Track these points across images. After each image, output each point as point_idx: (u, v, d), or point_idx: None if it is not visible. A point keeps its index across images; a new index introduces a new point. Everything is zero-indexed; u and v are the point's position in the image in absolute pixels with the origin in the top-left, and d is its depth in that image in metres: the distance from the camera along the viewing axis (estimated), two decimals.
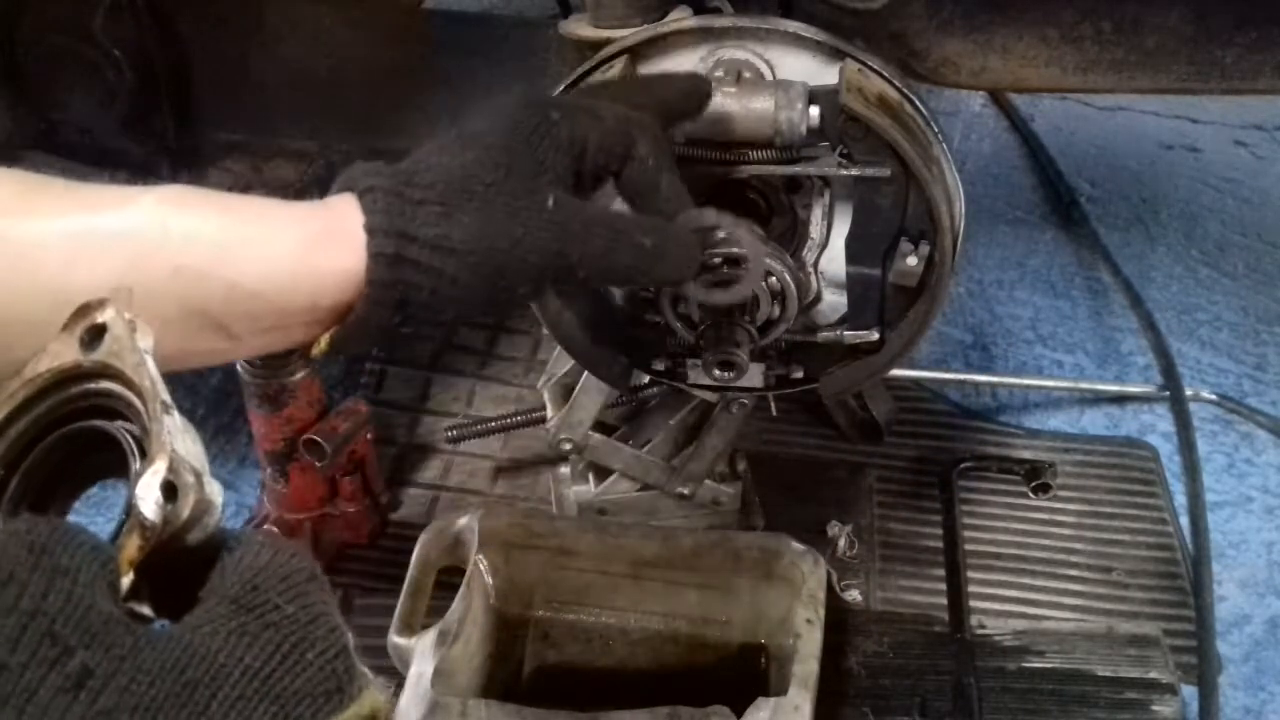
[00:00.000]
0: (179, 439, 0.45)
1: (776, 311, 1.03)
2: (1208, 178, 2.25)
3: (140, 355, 0.47)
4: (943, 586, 1.46)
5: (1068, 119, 2.40)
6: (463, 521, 1.26)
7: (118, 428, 0.48)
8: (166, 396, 0.46)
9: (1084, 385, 1.78)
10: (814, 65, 1.04)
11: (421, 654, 1.14)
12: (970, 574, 1.47)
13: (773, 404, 1.27)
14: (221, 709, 0.40)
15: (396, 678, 1.16)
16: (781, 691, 1.10)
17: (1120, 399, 1.76)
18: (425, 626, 1.17)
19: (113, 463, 0.49)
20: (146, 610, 0.44)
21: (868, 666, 1.33)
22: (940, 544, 1.52)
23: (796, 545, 1.25)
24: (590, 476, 1.39)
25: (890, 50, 1.15)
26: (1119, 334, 1.88)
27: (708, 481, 1.38)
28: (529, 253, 0.69)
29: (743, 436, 1.37)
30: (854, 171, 0.99)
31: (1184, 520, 1.55)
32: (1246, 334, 1.88)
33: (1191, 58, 1.16)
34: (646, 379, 1.17)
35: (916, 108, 1.04)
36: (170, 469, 0.44)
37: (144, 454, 0.45)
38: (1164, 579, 1.47)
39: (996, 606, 1.44)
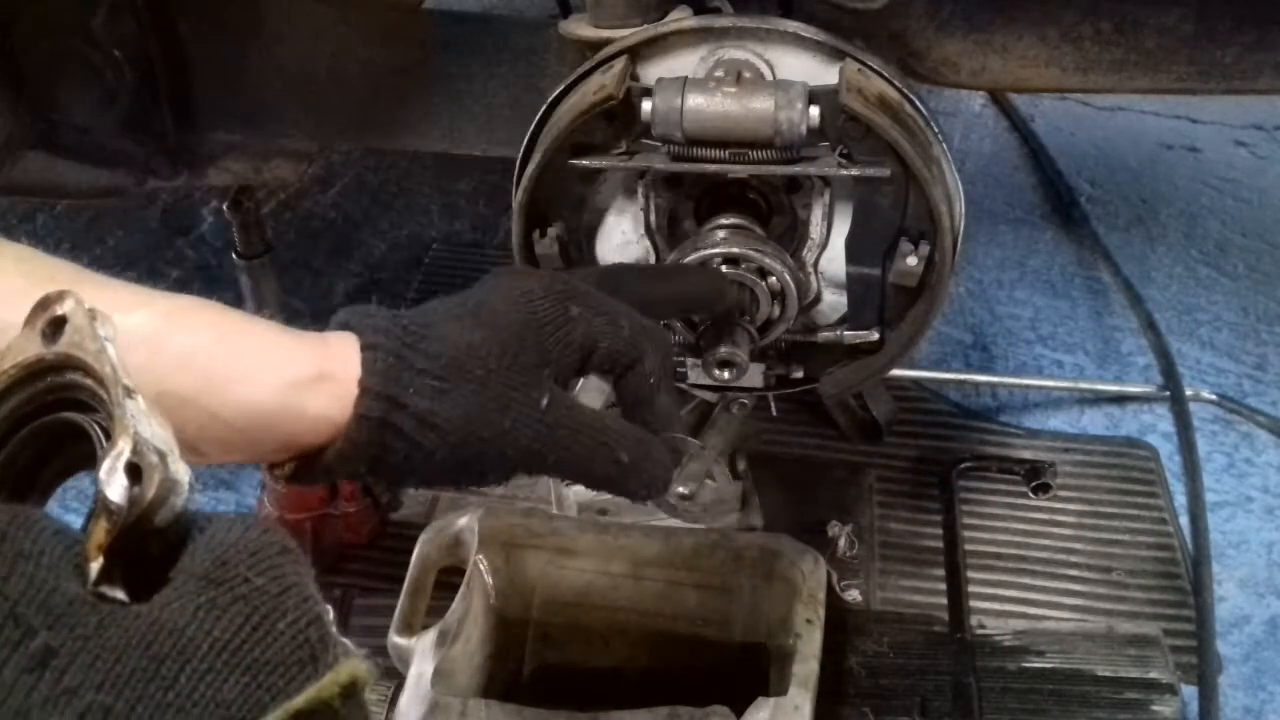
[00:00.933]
0: (143, 422, 0.45)
1: (776, 311, 1.03)
2: (1208, 178, 2.25)
3: (101, 343, 0.47)
4: (943, 586, 1.46)
5: (1068, 119, 2.40)
6: (463, 521, 1.26)
7: (86, 419, 0.48)
8: (129, 381, 0.46)
9: (1084, 385, 1.78)
10: (814, 65, 1.04)
11: (421, 654, 1.14)
12: (970, 574, 1.47)
13: (773, 404, 1.27)
14: (190, 681, 0.39)
15: (396, 678, 1.16)
16: (781, 691, 1.10)
17: (1120, 399, 1.76)
18: (425, 626, 1.17)
19: (85, 455, 0.49)
20: (119, 594, 0.43)
21: (868, 666, 1.33)
22: (940, 544, 1.52)
23: (796, 545, 1.25)
24: None
25: (890, 50, 1.15)
26: (1119, 334, 1.88)
27: (708, 481, 1.37)
28: (509, 446, 0.69)
29: (743, 436, 1.37)
30: (854, 171, 1.00)
31: (1184, 520, 1.55)
32: (1246, 334, 1.88)
33: (1191, 58, 1.16)
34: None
35: (916, 108, 1.04)
36: (134, 450, 0.43)
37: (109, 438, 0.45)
38: (1164, 579, 1.47)
39: (996, 606, 1.44)
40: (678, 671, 1.26)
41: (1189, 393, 1.72)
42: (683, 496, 1.37)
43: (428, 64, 1.28)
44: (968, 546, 1.50)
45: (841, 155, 1.00)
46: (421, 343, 0.69)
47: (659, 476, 0.78)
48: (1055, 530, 1.54)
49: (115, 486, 0.42)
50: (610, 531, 1.29)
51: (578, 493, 1.39)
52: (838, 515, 1.53)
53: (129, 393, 0.45)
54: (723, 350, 0.99)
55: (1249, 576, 1.50)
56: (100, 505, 0.43)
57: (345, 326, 0.69)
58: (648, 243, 1.10)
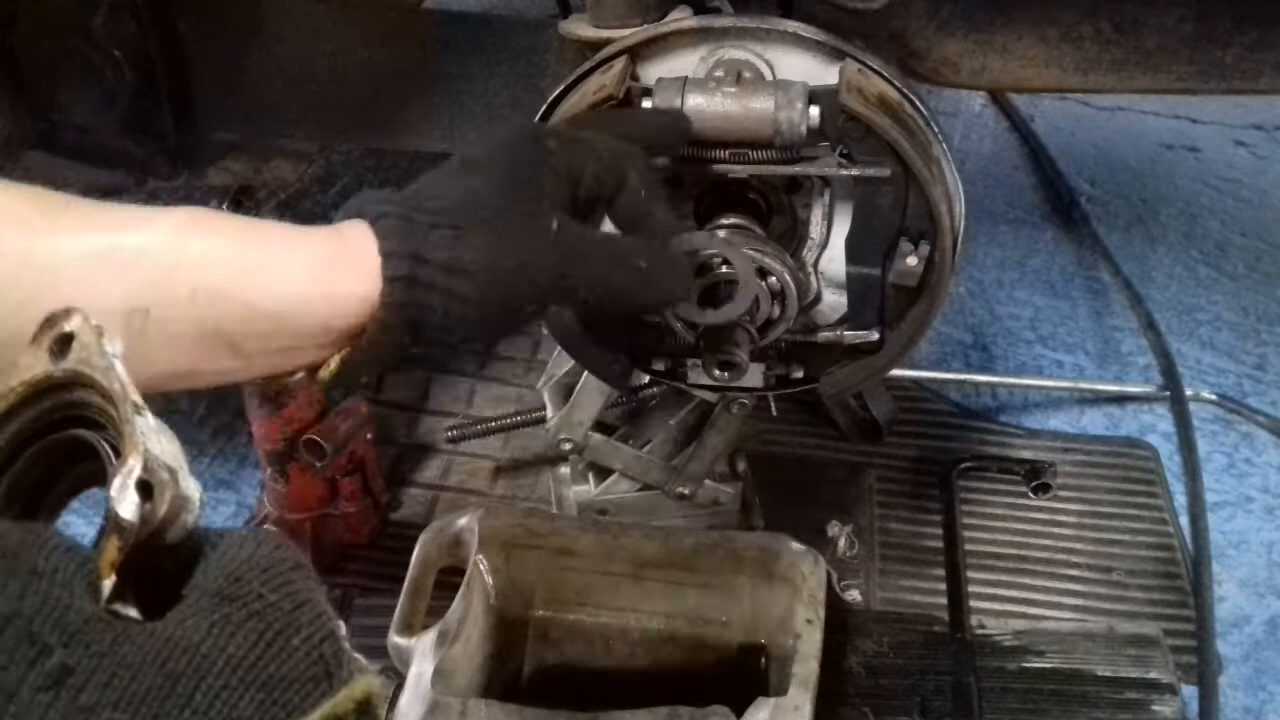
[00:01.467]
0: (152, 439, 0.45)
1: (776, 311, 1.03)
2: (1208, 178, 2.25)
3: (109, 360, 0.47)
4: (943, 586, 1.46)
5: (1068, 119, 2.40)
6: (463, 521, 1.26)
7: (95, 436, 0.48)
8: (137, 398, 0.46)
9: (1084, 385, 1.78)
10: (814, 65, 1.04)
11: (421, 654, 1.14)
12: (970, 574, 1.47)
13: (773, 404, 1.27)
14: (206, 699, 0.39)
15: (397, 678, 1.16)
16: (781, 691, 1.10)
17: (1120, 399, 1.76)
18: (425, 626, 1.17)
19: (95, 472, 0.49)
20: (131, 612, 0.43)
21: (868, 666, 1.33)
22: (940, 544, 1.52)
23: (796, 545, 1.25)
24: (590, 476, 1.39)
25: (890, 50, 1.15)
26: (1119, 334, 1.88)
27: (708, 481, 1.38)
28: (536, 273, 0.71)
29: (743, 436, 1.37)
30: (854, 171, 0.99)
31: (1184, 520, 1.55)
32: (1246, 334, 1.88)
33: (1191, 58, 1.16)
34: (646, 379, 1.17)
35: (916, 108, 1.04)
36: (144, 468, 0.43)
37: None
38: (1164, 579, 1.47)
39: (996, 606, 1.44)
40: (678, 671, 1.26)
41: (1189, 393, 1.72)
42: (683, 497, 1.37)
43: (428, 64, 1.28)
44: (968, 546, 1.50)
45: (841, 155, 1.00)
46: (426, 202, 0.71)
47: (680, 277, 0.83)
48: (1055, 530, 1.54)
49: (126, 504, 0.42)
50: (610, 531, 1.29)
51: (578, 493, 1.39)
52: (838, 515, 1.53)
53: (138, 409, 0.45)
54: (723, 350, 0.99)
55: (1249, 576, 1.50)
56: (111, 523, 0.43)
57: (350, 213, 0.72)
58: None
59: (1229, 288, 1.98)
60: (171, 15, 1.28)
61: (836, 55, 1.03)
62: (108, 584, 0.42)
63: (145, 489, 0.43)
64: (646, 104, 0.99)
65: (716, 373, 1.01)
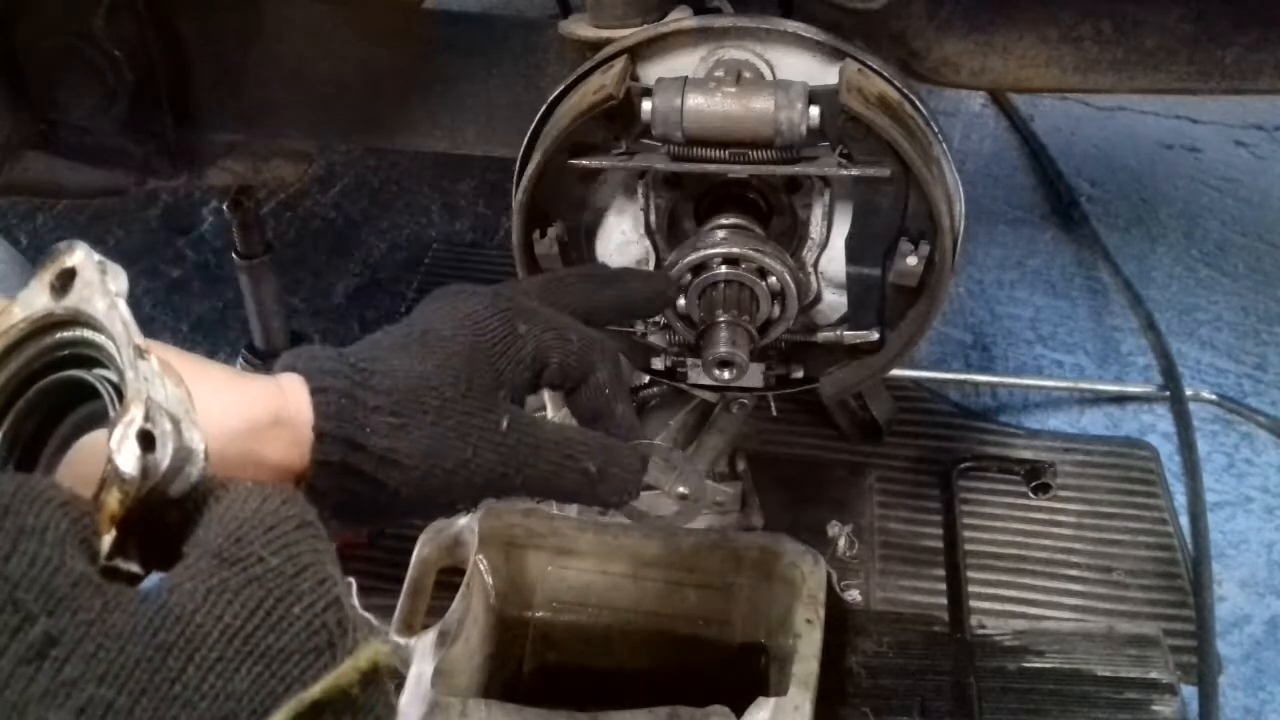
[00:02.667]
0: (156, 384, 0.43)
1: (776, 311, 1.03)
2: (1208, 178, 2.25)
3: (111, 299, 0.45)
4: (943, 586, 1.46)
5: (1068, 119, 2.40)
6: (463, 521, 1.26)
7: (96, 376, 0.46)
8: (140, 340, 0.44)
9: (1084, 385, 1.78)
10: (814, 65, 1.04)
11: (421, 654, 1.14)
12: (970, 574, 1.47)
13: (773, 404, 1.27)
14: (199, 673, 0.37)
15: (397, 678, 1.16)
16: (781, 691, 1.10)
17: (1120, 399, 1.76)
18: (425, 626, 1.17)
19: (97, 413, 0.47)
20: (134, 567, 0.42)
21: (868, 666, 1.33)
22: (940, 544, 1.52)
23: (796, 545, 1.25)
24: None
25: (890, 50, 1.15)
26: (1119, 334, 1.89)
27: (708, 481, 1.38)
28: (474, 474, 0.68)
29: (743, 436, 1.37)
30: (854, 171, 0.99)
31: (1184, 520, 1.55)
32: (1246, 334, 1.88)
33: (1191, 58, 1.16)
34: (646, 379, 1.17)
35: (916, 108, 1.04)
36: (146, 416, 0.41)
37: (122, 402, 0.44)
38: (1164, 579, 1.47)
39: (996, 606, 1.44)
40: (678, 671, 1.26)
41: (1189, 393, 1.72)
42: (683, 497, 1.37)
43: (428, 64, 1.28)
44: (968, 546, 1.50)
45: (841, 155, 1.00)
46: (372, 379, 0.66)
47: (629, 481, 0.77)
48: (1055, 530, 1.54)
49: (127, 455, 0.41)
50: (610, 531, 1.29)
51: None
52: (838, 515, 1.53)
53: (141, 353, 0.43)
54: (722, 350, 0.99)
55: (1249, 576, 1.50)
56: (111, 474, 0.41)
57: (291, 369, 0.65)
58: (647, 243, 1.10)
59: (1229, 288, 1.98)
60: (171, 15, 1.28)
61: (836, 55, 1.03)
62: (107, 539, 0.40)
63: (147, 439, 0.41)
64: (647, 105, 0.99)
65: (716, 373, 1.01)
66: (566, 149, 1.03)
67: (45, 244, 2.14)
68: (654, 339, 1.12)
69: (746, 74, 1.03)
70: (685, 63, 1.05)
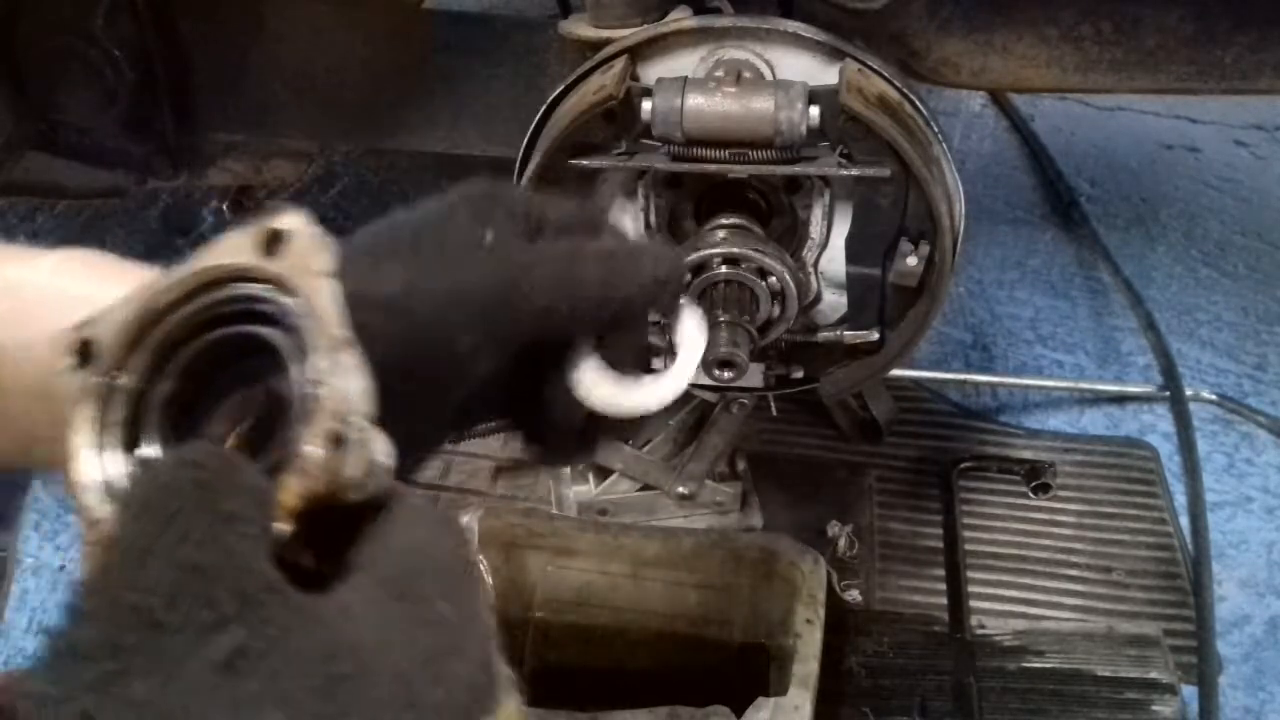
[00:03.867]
0: (353, 379, 0.41)
1: (776, 311, 1.03)
2: (1208, 178, 2.24)
3: (323, 275, 0.43)
4: (943, 586, 1.46)
5: (1068, 119, 2.40)
6: (463, 521, 1.26)
7: (277, 337, 0.44)
8: (345, 329, 0.42)
9: (1084, 385, 1.78)
10: (814, 65, 1.04)
11: None
12: (970, 574, 1.47)
13: (773, 404, 1.27)
14: (362, 715, 0.37)
15: None
16: (781, 691, 1.10)
17: (1120, 399, 1.76)
18: None
19: (262, 369, 0.45)
20: (305, 560, 0.40)
21: (868, 666, 1.33)
22: (940, 544, 1.52)
23: (796, 545, 1.25)
24: (590, 476, 1.39)
25: (890, 50, 1.15)
26: (1119, 334, 1.88)
27: (708, 481, 1.38)
28: (470, 290, 0.56)
29: (743, 436, 1.37)
30: (854, 171, 0.99)
31: (1184, 520, 1.55)
32: (1246, 334, 1.88)
33: (1191, 58, 1.16)
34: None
35: (916, 108, 1.04)
36: (341, 418, 0.40)
37: (310, 384, 0.42)
38: (1164, 579, 1.47)
39: (996, 606, 1.44)
40: (678, 671, 1.26)
41: (1189, 393, 1.72)
42: (683, 497, 1.37)
43: (428, 64, 1.28)
44: (968, 546, 1.50)
45: (841, 155, 1.00)
46: (341, 239, 0.56)
47: (665, 262, 0.61)
48: (1055, 530, 1.54)
49: (316, 452, 0.40)
50: (610, 531, 1.29)
51: (578, 493, 1.39)
52: (838, 515, 1.53)
53: (345, 343, 0.41)
54: (722, 350, 0.99)
55: (1249, 576, 1.50)
56: (295, 462, 0.40)
57: None
58: None
59: (1229, 288, 1.98)
60: (171, 15, 1.28)
61: (836, 55, 1.03)
62: (285, 530, 0.39)
63: (336, 441, 0.40)
64: (647, 105, 0.99)
65: (716, 373, 1.02)
66: (566, 149, 1.03)
67: (45, 244, 2.13)
68: (654, 339, 1.11)
69: (746, 74, 1.03)
70: (685, 63, 1.05)
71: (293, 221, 0.43)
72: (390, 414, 0.46)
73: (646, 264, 0.60)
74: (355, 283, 0.51)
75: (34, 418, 0.55)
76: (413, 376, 0.53)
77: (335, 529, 0.42)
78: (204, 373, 0.47)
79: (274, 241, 0.43)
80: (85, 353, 0.46)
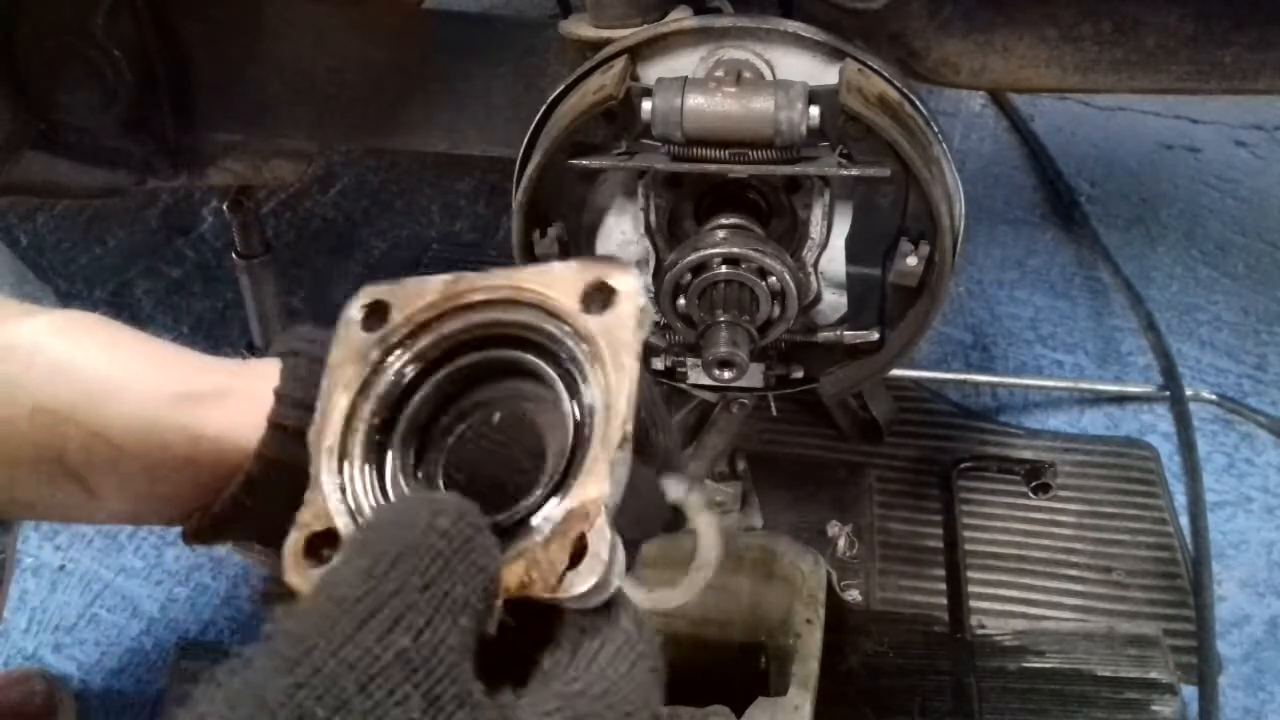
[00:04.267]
0: (617, 484, 0.39)
1: (776, 311, 1.03)
2: (1208, 178, 2.25)
3: (630, 354, 0.40)
4: (943, 586, 1.46)
5: (1068, 119, 2.40)
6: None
7: (555, 376, 0.42)
8: (630, 425, 0.39)
9: (1084, 385, 1.78)
10: (814, 65, 1.04)
11: None
12: (970, 574, 1.47)
13: (773, 404, 1.27)
14: None
15: None
16: (781, 691, 1.10)
17: (1120, 399, 1.76)
18: None
19: (519, 397, 0.43)
20: (501, 625, 0.39)
21: (868, 666, 1.33)
22: (940, 544, 1.52)
23: (796, 545, 1.25)
24: None
25: (890, 50, 1.15)
26: (1119, 334, 1.88)
27: (708, 481, 1.37)
28: None
29: (743, 436, 1.37)
30: (854, 171, 0.99)
31: (1184, 520, 1.55)
32: (1246, 334, 1.88)
33: (1191, 58, 1.16)
34: None
35: (916, 108, 1.04)
36: (592, 524, 0.38)
37: (572, 453, 0.40)
38: (1164, 579, 1.47)
39: (996, 606, 1.44)
40: (677, 671, 1.25)
41: (1189, 393, 1.72)
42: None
43: (428, 64, 1.28)
44: (968, 546, 1.50)
45: (841, 155, 1.00)
46: None
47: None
48: (1055, 530, 1.54)
49: (555, 552, 0.38)
50: None
51: None
52: (838, 515, 1.53)
53: (624, 441, 0.39)
54: (722, 350, 0.99)
55: (1249, 576, 1.50)
56: (529, 550, 0.38)
57: (276, 348, 0.57)
58: (648, 243, 1.10)
59: (1229, 288, 1.98)
60: (171, 15, 1.28)
61: (836, 55, 1.03)
62: (498, 613, 0.38)
63: (579, 551, 0.38)
64: (647, 105, 0.99)
65: (716, 373, 1.02)
66: (566, 149, 1.03)
67: (45, 244, 2.14)
68: (654, 339, 1.12)
69: (746, 74, 1.03)
70: (685, 63, 1.05)
71: (627, 283, 0.41)
72: None
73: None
74: None
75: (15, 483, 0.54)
76: None
77: (548, 610, 0.40)
78: (465, 383, 0.45)
79: (599, 292, 0.41)
80: (377, 313, 0.45)
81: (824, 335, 1.12)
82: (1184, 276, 2.01)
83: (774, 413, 1.32)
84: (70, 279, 2.06)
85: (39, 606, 1.52)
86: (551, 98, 1.06)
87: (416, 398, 0.45)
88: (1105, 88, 1.20)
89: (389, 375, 0.45)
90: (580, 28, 1.12)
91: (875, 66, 1.03)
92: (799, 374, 1.15)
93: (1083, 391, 1.77)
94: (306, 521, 0.42)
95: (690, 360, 1.12)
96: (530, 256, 1.09)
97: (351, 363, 0.45)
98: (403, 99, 1.30)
